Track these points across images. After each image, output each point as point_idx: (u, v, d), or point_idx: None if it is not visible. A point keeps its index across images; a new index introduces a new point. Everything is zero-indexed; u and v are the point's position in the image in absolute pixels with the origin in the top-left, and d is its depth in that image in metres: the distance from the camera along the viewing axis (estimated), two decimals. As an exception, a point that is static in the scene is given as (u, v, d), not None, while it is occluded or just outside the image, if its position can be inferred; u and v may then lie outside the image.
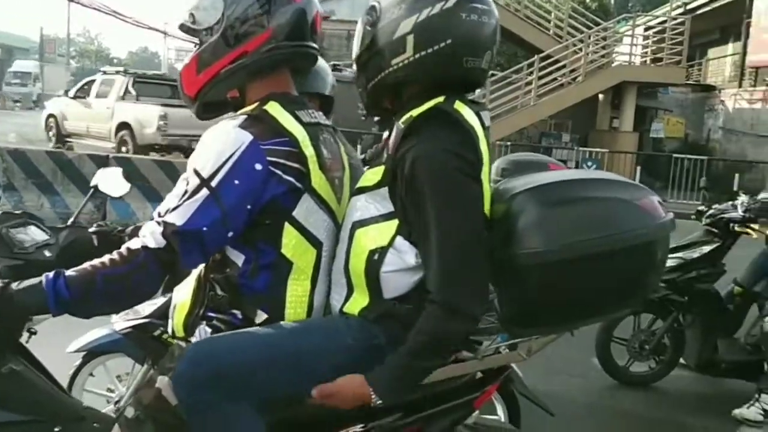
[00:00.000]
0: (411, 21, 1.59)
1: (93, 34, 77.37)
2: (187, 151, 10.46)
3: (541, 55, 16.50)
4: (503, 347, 1.77)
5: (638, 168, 15.14)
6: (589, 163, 15.05)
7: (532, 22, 17.61)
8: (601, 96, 17.88)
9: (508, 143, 15.24)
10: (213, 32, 1.68)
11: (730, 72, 22.00)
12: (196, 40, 1.73)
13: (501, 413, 2.79)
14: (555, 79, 16.73)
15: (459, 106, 1.61)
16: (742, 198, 4.15)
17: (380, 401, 1.54)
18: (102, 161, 7.04)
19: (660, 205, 1.61)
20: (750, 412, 3.78)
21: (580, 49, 16.87)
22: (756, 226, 3.96)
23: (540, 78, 16.49)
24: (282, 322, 1.63)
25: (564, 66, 16.57)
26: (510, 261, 1.55)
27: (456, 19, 1.58)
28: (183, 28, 1.75)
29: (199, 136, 1.66)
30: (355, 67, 1.74)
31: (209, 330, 1.67)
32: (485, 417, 2.46)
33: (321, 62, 2.37)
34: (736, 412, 3.81)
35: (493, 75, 17.73)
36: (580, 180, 1.66)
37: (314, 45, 1.76)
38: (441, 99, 1.61)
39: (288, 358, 1.57)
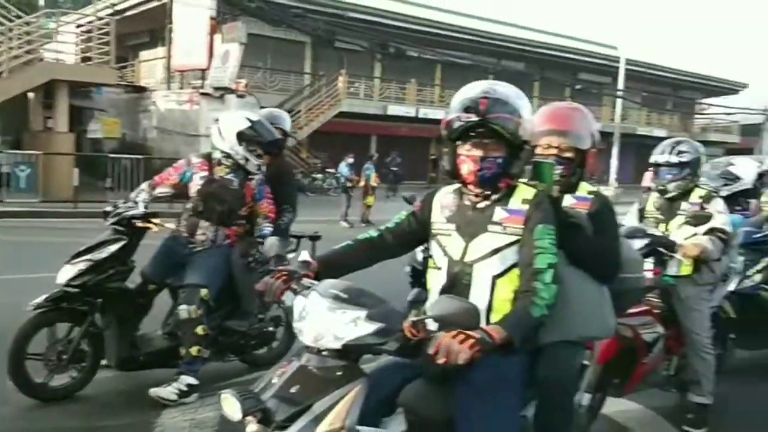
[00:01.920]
0: None
1: None
2: None
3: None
4: None
5: (76, 170, 14.64)
6: (23, 167, 13.91)
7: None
8: (31, 94, 16.70)
9: None
10: None
11: (162, 74, 23.33)
12: None
13: None
14: (-26, 73, 14.91)
15: None
16: (144, 195, 4.28)
17: None
18: None
19: None
20: (166, 391, 3.93)
21: (2, 43, 15.35)
22: (157, 220, 4.13)
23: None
24: None
25: (-15, 60, 14.90)
26: None
27: None
28: None
29: None
30: None
31: None
32: None
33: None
34: (152, 391, 3.92)
35: None
36: None
37: None
38: None
39: None
